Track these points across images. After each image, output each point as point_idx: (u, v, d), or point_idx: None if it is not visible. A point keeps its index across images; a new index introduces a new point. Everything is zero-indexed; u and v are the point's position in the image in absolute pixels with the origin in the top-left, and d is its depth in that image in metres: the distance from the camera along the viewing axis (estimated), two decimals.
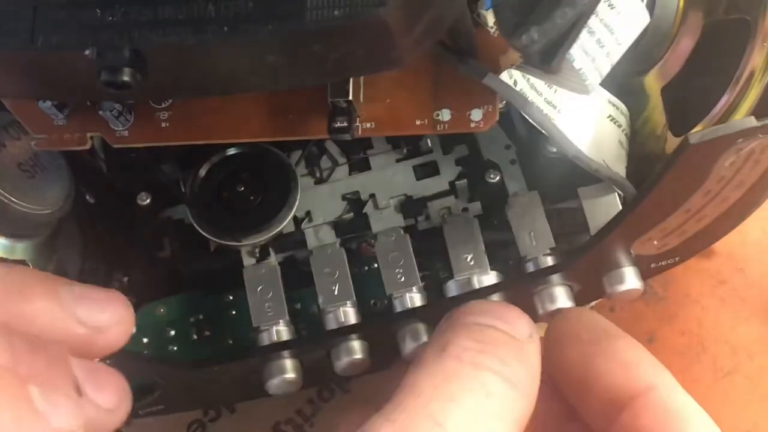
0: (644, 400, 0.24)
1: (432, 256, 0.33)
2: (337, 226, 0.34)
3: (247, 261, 0.33)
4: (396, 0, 0.21)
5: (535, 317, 0.30)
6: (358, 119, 0.29)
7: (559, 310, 0.29)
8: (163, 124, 0.30)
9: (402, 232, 0.33)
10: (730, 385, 0.39)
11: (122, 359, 0.29)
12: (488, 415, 0.21)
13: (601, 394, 0.25)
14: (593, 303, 0.37)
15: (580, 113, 0.30)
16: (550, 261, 0.31)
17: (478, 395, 0.21)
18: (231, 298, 0.35)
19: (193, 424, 0.38)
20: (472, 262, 0.31)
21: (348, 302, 0.31)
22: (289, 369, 0.30)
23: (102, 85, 0.21)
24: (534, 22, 0.21)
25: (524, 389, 0.22)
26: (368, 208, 0.34)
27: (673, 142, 0.31)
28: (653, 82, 0.32)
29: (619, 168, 0.31)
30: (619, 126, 0.31)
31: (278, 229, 0.32)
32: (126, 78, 0.21)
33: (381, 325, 0.31)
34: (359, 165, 0.34)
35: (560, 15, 0.21)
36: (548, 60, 0.22)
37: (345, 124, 0.28)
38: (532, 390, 0.23)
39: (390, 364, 0.32)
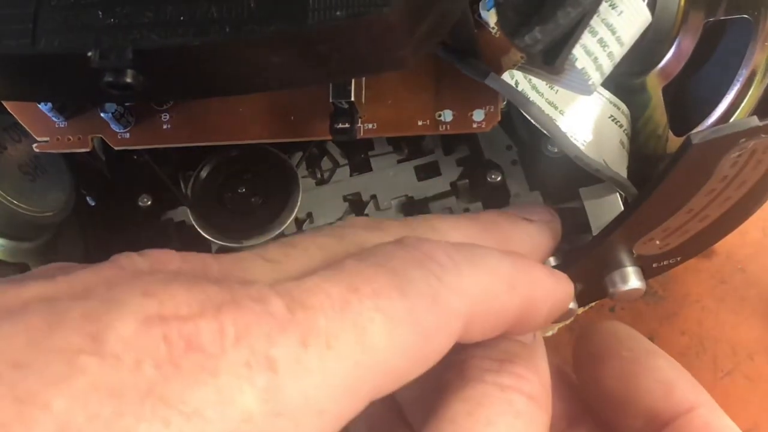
0: (686, 420, 0.24)
1: None
2: None
3: None
4: (400, 0, 0.21)
5: None
6: (360, 120, 0.29)
7: (594, 324, 0.29)
8: (165, 126, 0.30)
9: None
10: (730, 385, 0.39)
11: None
12: None
13: (641, 413, 0.25)
14: (593, 303, 0.37)
15: (581, 114, 0.30)
16: (552, 261, 0.31)
17: (510, 416, 0.21)
18: None
19: None
20: None
21: None
22: None
23: (105, 87, 0.21)
24: (537, 21, 0.21)
25: (542, 402, 0.22)
26: (370, 209, 0.34)
27: (674, 142, 0.31)
28: (654, 82, 0.32)
29: (621, 168, 0.31)
30: (621, 126, 0.31)
31: (280, 231, 0.32)
32: (129, 79, 0.21)
33: None
34: (360, 166, 0.35)
35: (563, 15, 0.21)
36: (551, 60, 0.22)
37: (347, 125, 0.28)
38: (548, 400, 0.23)
39: None
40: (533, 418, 0.22)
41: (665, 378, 0.25)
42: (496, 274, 0.21)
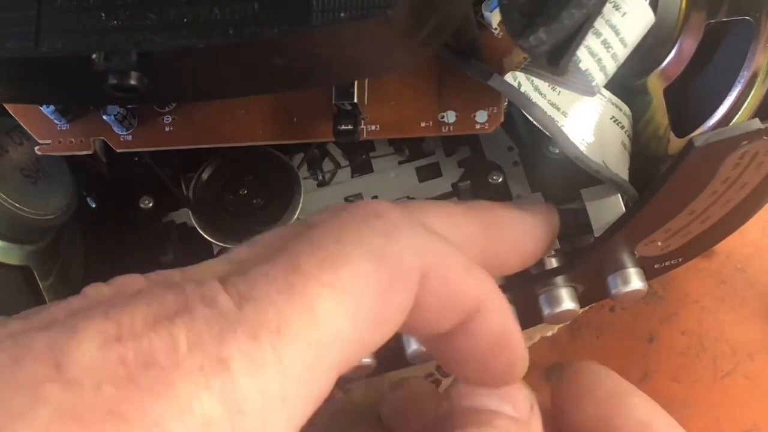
0: None
1: None
2: None
3: None
4: (403, 1, 0.21)
5: (539, 319, 0.30)
6: (363, 122, 0.29)
7: (570, 365, 0.29)
8: (167, 128, 0.30)
9: None
10: (730, 385, 0.39)
11: None
12: None
13: None
14: (593, 303, 0.37)
15: (583, 115, 0.30)
16: (554, 262, 0.31)
17: None
18: None
19: None
20: None
21: None
22: None
23: (109, 89, 0.21)
24: (541, 23, 0.21)
25: None
26: None
27: (675, 143, 0.31)
28: (656, 84, 0.32)
29: (622, 169, 0.31)
30: (622, 127, 0.31)
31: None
32: (133, 82, 0.21)
33: None
34: (361, 167, 0.34)
35: (568, 16, 0.21)
36: (556, 61, 0.22)
37: (350, 126, 0.28)
38: None
39: (393, 366, 0.32)
40: None
41: (641, 417, 0.25)
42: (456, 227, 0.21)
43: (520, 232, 0.26)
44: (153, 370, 0.15)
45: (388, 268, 0.18)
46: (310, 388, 0.17)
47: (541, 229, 0.27)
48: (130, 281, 0.18)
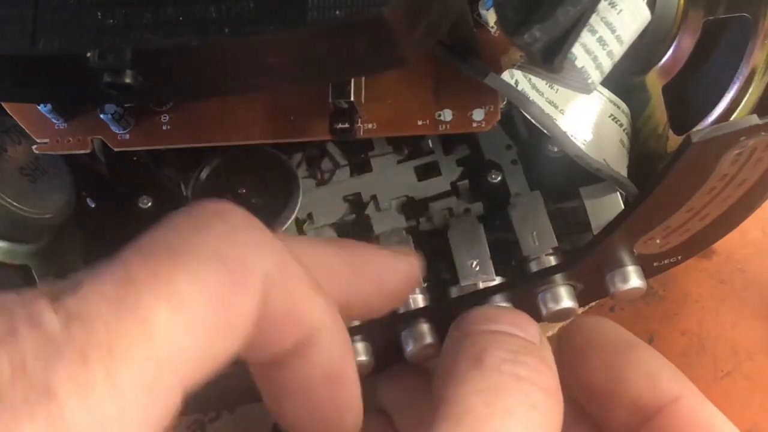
0: (672, 410, 0.24)
1: (434, 257, 0.33)
2: (339, 227, 0.34)
3: None
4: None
5: (538, 317, 0.30)
6: (359, 120, 0.29)
7: (576, 320, 0.29)
8: (165, 127, 0.30)
9: (404, 233, 0.33)
10: (730, 385, 0.39)
11: None
12: (539, 425, 0.21)
13: (627, 405, 0.25)
14: (592, 303, 0.37)
15: (581, 113, 0.30)
16: (552, 261, 0.31)
17: (527, 407, 0.21)
18: None
19: (193, 424, 0.38)
20: (477, 268, 0.31)
21: None
22: None
23: (104, 88, 0.21)
24: (536, 20, 0.21)
25: (556, 395, 0.22)
26: (370, 210, 0.34)
27: (674, 141, 0.31)
28: (654, 81, 0.32)
29: (621, 167, 0.31)
30: (621, 125, 0.31)
31: (280, 232, 0.32)
32: (128, 80, 0.21)
33: (384, 326, 0.31)
34: (360, 166, 0.34)
35: (562, 13, 0.21)
36: (550, 58, 0.22)
37: (346, 125, 0.28)
38: (560, 396, 0.23)
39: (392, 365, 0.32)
40: (549, 410, 0.22)
41: (649, 369, 0.25)
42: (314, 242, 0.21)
43: (383, 268, 0.25)
44: None
45: (229, 271, 0.18)
46: (153, 407, 0.16)
47: (404, 267, 0.26)
48: None
